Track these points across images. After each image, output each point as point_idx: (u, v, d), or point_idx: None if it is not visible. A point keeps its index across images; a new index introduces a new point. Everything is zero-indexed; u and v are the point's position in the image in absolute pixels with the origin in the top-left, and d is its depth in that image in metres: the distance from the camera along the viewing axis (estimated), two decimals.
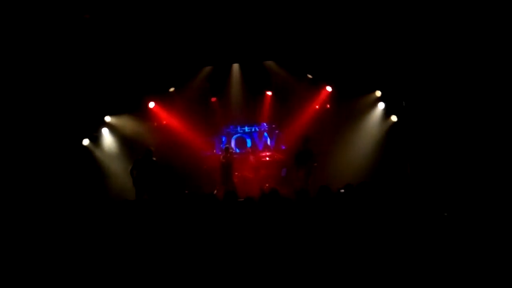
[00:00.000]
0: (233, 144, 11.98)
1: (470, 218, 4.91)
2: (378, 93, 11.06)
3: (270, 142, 12.04)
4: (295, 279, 3.70)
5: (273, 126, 12.04)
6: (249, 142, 11.98)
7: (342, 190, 6.05)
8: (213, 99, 12.01)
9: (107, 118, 11.27)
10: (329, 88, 11.43)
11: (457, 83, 9.20)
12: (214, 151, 12.00)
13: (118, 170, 10.81)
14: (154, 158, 9.55)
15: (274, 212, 4.71)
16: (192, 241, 4.38)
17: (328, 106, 11.60)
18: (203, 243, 4.25)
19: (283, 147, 11.89)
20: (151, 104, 11.50)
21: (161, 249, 4.36)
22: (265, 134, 12.07)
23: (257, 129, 12.09)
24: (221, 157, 10.54)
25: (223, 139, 12.10)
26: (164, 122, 11.80)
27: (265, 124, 12.11)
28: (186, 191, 9.79)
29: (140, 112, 11.41)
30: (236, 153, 11.68)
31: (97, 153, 11.13)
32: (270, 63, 11.47)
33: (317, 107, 11.69)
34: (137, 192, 9.27)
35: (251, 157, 11.39)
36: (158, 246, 4.42)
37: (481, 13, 8.26)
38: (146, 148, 9.64)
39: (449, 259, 3.83)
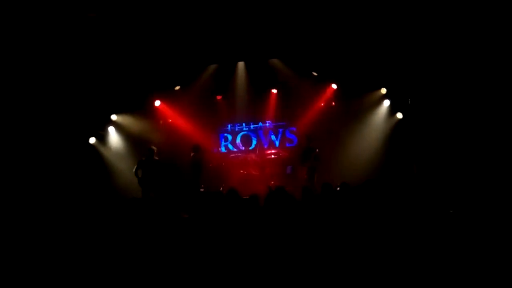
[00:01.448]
0: (238, 141, 12.02)
1: (476, 215, 4.90)
2: (384, 91, 11.05)
3: (276, 139, 12.05)
4: (299, 276, 3.71)
5: (284, 123, 12.05)
6: (254, 140, 12.00)
7: (338, 188, 6.07)
8: (219, 97, 12.04)
9: (113, 117, 11.33)
10: (334, 86, 11.43)
11: (462, 81, 9.16)
12: (220, 149, 12.05)
13: (124, 168, 10.85)
14: (157, 158, 9.58)
15: (280, 209, 4.73)
16: (198, 239, 4.41)
17: (334, 103, 11.60)
18: (210, 241, 4.27)
19: (289, 145, 11.90)
20: (157, 103, 11.55)
21: (168, 246, 4.38)
22: (270, 131, 12.09)
23: (263, 127, 12.11)
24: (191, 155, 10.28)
25: (229, 137, 12.15)
26: (170, 120, 11.85)
27: (270, 121, 12.12)
28: (202, 189, 9.85)
29: (146, 111, 11.46)
30: (241, 150, 11.77)
31: (103, 151, 11.20)
32: (275, 61, 11.47)
33: (322, 104, 11.68)
34: (143, 192, 9.33)
35: (256, 155, 11.42)
36: (165, 243, 4.45)
37: (486, 12, 8.22)
38: (148, 148, 9.68)
39: (454, 257, 3.83)
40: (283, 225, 4.33)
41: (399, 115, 10.83)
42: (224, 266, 3.89)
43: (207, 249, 4.13)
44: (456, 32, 8.91)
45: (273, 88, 11.90)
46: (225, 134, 12.17)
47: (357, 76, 10.81)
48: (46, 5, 7.98)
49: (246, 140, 12.02)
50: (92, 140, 10.93)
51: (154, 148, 9.69)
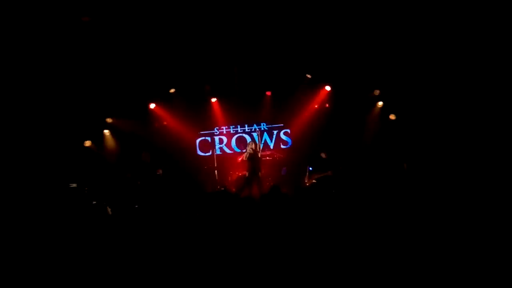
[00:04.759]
0: (233, 144, 12.06)
1: (467, 214, 4.96)
2: (377, 92, 11.14)
3: (270, 141, 12.11)
4: (294, 275, 3.76)
5: (278, 125, 12.11)
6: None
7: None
8: (213, 100, 12.10)
9: (109, 120, 11.33)
10: (328, 88, 11.51)
11: (455, 82, 9.28)
12: (214, 151, 12.09)
13: (119, 171, 10.84)
14: (149, 162, 9.59)
15: (275, 209, 4.79)
16: (193, 239, 4.44)
17: (327, 105, 11.68)
18: (205, 241, 4.31)
19: (284, 147, 11.97)
20: (152, 105, 11.58)
21: (165, 249, 4.41)
22: (265, 133, 12.15)
23: (257, 129, 12.16)
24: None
25: (224, 140, 12.20)
26: (165, 122, 11.89)
27: (264, 124, 12.18)
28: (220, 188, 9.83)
29: (141, 113, 11.48)
30: (237, 152, 11.83)
31: (99, 154, 11.19)
32: (269, 64, 11.54)
33: (316, 106, 11.77)
34: (134, 197, 9.30)
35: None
36: (163, 246, 4.48)
37: (479, 13, 8.34)
38: (141, 154, 9.68)
39: (444, 255, 3.87)
40: (278, 225, 4.39)
41: (393, 116, 10.91)
42: (219, 266, 3.93)
43: (203, 249, 4.17)
44: (448, 34, 9.02)
45: (267, 90, 11.97)
46: (220, 137, 12.22)
47: (351, 78, 10.90)
48: (42, 9, 8.00)
49: (241, 143, 12.06)
50: (88, 143, 10.92)
51: (147, 153, 9.69)
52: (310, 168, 10.15)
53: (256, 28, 9.41)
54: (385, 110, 11.11)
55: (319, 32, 9.63)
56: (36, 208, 8.03)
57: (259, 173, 9.93)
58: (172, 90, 11.70)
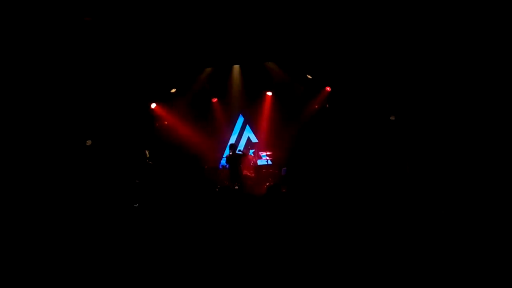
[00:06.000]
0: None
1: (467, 216, 4.97)
2: (376, 93, 11.14)
3: None
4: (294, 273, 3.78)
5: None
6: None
7: None
8: (214, 100, 12.13)
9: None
10: (328, 88, 11.53)
11: (455, 82, 9.30)
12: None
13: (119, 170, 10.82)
14: (150, 162, 9.62)
15: (276, 208, 4.81)
16: (194, 236, 4.47)
17: (327, 106, 11.70)
18: (206, 238, 4.34)
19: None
20: (153, 105, 11.60)
21: (166, 247, 4.43)
22: None
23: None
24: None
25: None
26: (166, 122, 11.91)
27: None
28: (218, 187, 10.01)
29: (142, 113, 11.49)
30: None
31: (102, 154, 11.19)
32: (270, 64, 11.58)
33: (316, 107, 11.79)
34: (137, 195, 9.32)
35: (251, 157, 11.51)
36: (164, 244, 4.51)
37: (478, 13, 8.38)
38: (142, 152, 9.73)
39: (447, 258, 3.88)
40: (278, 224, 4.41)
41: (393, 117, 10.91)
42: (217, 264, 3.95)
43: (204, 245, 4.19)
44: (448, 35, 9.04)
45: (268, 91, 12.00)
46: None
47: (351, 79, 10.91)
48: (45, 9, 8.02)
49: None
50: (89, 142, 10.91)
51: (148, 151, 9.72)
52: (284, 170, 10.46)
53: (256, 27, 9.42)
54: (386, 111, 11.11)
55: (320, 32, 9.64)
56: (33, 207, 8.03)
57: (241, 175, 10.41)
58: (173, 90, 11.74)
